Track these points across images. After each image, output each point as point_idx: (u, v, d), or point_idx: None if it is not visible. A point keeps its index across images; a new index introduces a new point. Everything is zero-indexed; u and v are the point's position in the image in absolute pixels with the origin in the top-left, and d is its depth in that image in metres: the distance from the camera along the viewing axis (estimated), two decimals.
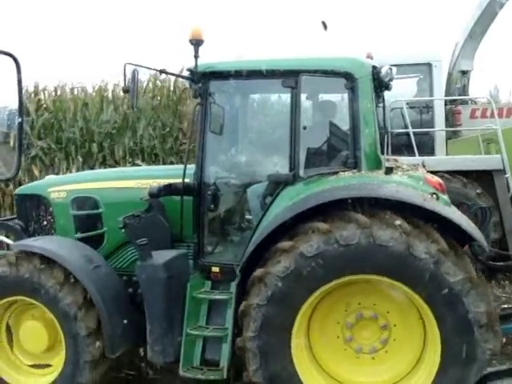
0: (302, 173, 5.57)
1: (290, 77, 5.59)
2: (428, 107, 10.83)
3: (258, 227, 5.71)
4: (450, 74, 11.58)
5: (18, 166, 3.95)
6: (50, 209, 6.79)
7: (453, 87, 11.54)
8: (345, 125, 5.85)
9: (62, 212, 6.71)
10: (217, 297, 5.82)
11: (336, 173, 5.59)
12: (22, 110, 3.83)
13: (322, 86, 6.04)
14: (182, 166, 6.17)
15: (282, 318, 5.21)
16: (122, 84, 5.83)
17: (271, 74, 5.68)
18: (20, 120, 3.89)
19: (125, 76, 5.37)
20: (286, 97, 5.83)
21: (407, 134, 10.14)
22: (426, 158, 8.90)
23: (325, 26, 6.08)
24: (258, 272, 5.26)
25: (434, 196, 5.30)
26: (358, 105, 5.60)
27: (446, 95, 11.25)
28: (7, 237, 7.40)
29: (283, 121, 5.84)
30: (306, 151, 5.78)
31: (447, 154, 10.62)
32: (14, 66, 3.72)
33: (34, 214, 6.89)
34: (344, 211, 5.17)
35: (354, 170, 5.58)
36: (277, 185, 5.74)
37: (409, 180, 5.49)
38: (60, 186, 6.81)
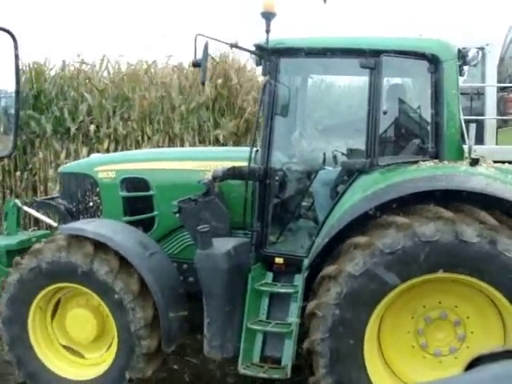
0: (379, 160, 5.27)
1: (369, 57, 5.27)
2: (479, 94, 10.49)
3: (328, 218, 5.42)
4: (501, 60, 11.22)
5: (14, 144, 3.83)
6: (97, 189, 6.51)
7: (504, 73, 11.18)
8: (424, 111, 5.54)
9: (109, 193, 6.43)
10: (280, 290, 5.53)
11: (416, 162, 5.29)
12: (18, 88, 3.70)
13: (401, 69, 5.72)
14: (240, 149, 5.88)
15: (354, 319, 4.90)
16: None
17: (349, 52, 5.39)
18: (16, 98, 3.75)
19: (195, 49, 5.06)
20: (363, 78, 5.52)
21: None
22: (476, 147, 8.59)
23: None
24: (330, 269, 4.95)
25: None
26: (441, 90, 5.30)
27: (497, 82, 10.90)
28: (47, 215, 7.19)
29: (359, 104, 5.54)
30: (382, 138, 5.48)
31: (497, 144, 10.30)
32: (11, 42, 3.59)
33: (79, 194, 6.62)
34: (425, 205, 4.88)
35: (436, 160, 5.28)
36: (350, 173, 5.46)
37: (497, 173, 5.18)
38: (108, 166, 6.53)
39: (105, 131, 11.84)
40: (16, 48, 3.59)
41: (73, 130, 11.83)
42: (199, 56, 5.08)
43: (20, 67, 3.86)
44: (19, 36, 3.63)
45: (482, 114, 10.43)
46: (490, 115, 10.43)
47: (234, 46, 5.40)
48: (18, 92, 3.74)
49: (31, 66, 12.65)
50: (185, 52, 13.03)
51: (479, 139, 10.29)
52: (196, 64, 5.14)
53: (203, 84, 5.28)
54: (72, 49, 15.13)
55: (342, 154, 5.91)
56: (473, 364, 1.64)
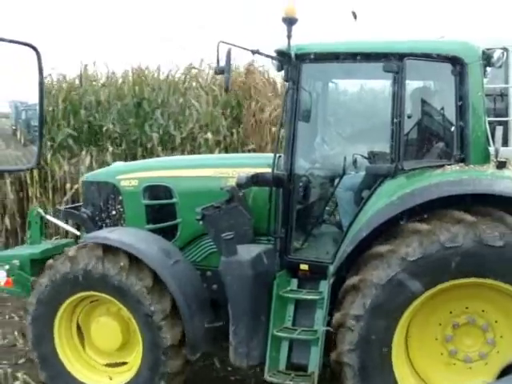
0: (404, 165, 5.29)
1: (392, 60, 5.29)
2: (502, 95, 10.43)
3: (353, 223, 5.45)
4: None
5: (39, 155, 3.91)
6: (120, 197, 6.58)
7: None
8: (449, 114, 5.54)
9: (132, 201, 6.49)
10: (306, 296, 5.55)
11: (441, 166, 5.30)
12: (42, 100, 3.80)
13: (424, 72, 5.73)
14: (261, 155, 5.92)
15: (381, 329, 4.92)
16: None
17: (372, 57, 5.41)
18: (40, 110, 3.83)
19: (218, 55, 5.12)
20: (387, 82, 5.55)
21: None
22: (501, 149, 8.55)
23: (355, 16, 5.76)
24: (353, 280, 4.99)
25: None
26: (466, 93, 5.30)
27: None
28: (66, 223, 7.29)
29: (383, 108, 5.56)
30: (407, 142, 5.49)
31: None
32: (34, 56, 3.68)
33: (101, 202, 6.70)
34: (451, 209, 4.88)
35: (461, 164, 5.29)
36: (375, 178, 5.47)
37: None
38: (130, 174, 6.59)
39: (215, 138, 11.74)
40: (40, 61, 3.68)
41: (178, 138, 11.78)
42: (222, 63, 5.13)
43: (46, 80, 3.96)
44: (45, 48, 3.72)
45: (506, 116, 10.37)
46: None
47: (255, 52, 5.44)
48: (41, 104, 3.81)
49: (132, 72, 12.87)
50: None
51: (503, 141, 10.23)
52: (219, 71, 5.19)
53: (227, 91, 5.33)
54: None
55: (366, 158, 5.91)
56: (505, 371, 1.65)
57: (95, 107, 12.50)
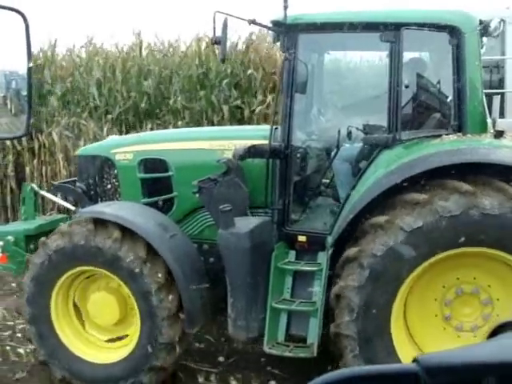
0: (402, 135, 5.35)
1: (390, 30, 5.33)
2: (499, 67, 10.50)
3: (351, 194, 5.52)
4: None
5: (28, 124, 3.95)
6: (115, 171, 6.62)
7: None
8: (446, 84, 5.60)
9: (127, 175, 6.53)
10: (304, 268, 5.64)
11: (439, 136, 5.37)
12: (30, 68, 3.82)
13: (421, 42, 5.79)
14: (258, 127, 5.96)
15: (381, 300, 5.02)
16: None
17: (369, 27, 5.43)
18: (28, 78, 3.87)
19: (214, 26, 5.14)
20: (384, 53, 5.60)
21: None
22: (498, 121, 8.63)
23: None
24: (352, 251, 5.07)
25: None
26: (463, 63, 5.36)
27: None
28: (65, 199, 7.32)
29: (380, 79, 5.61)
30: (404, 112, 5.55)
31: None
32: (21, 23, 3.70)
33: (96, 176, 6.75)
34: (443, 179, 4.96)
35: (459, 134, 5.36)
36: (372, 148, 5.54)
37: None
38: (125, 147, 6.61)
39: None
40: (27, 28, 3.69)
41: (247, 111, 11.44)
42: (218, 33, 5.15)
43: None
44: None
45: (502, 88, 10.44)
46: (511, 88, 10.44)
47: (252, 22, 5.46)
48: (30, 73, 3.83)
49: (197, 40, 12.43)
50: None
51: (499, 113, 10.32)
52: (216, 41, 5.22)
53: (223, 61, 5.36)
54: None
55: (363, 129, 5.97)
56: (496, 331, 1.69)
57: (157, 78, 12.16)
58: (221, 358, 6.72)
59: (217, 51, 11.35)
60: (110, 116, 11.88)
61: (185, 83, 11.89)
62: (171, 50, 12.81)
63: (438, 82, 5.87)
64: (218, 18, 5.14)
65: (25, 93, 3.99)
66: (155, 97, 12.03)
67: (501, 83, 10.51)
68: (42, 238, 6.11)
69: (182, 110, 11.72)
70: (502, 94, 10.40)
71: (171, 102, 11.71)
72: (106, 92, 12.10)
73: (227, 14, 5.16)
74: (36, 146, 11.74)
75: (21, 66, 3.98)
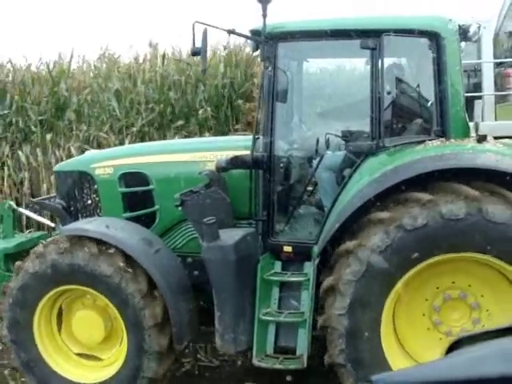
0: (385, 142, 5.38)
1: (370, 37, 5.36)
2: (476, 70, 10.63)
3: (335, 203, 5.53)
4: (496, 35, 11.37)
5: None
6: (95, 186, 6.55)
7: (500, 49, 11.33)
8: (428, 89, 5.64)
9: (108, 190, 6.47)
10: (291, 279, 5.63)
11: (422, 142, 5.41)
12: None
13: (401, 48, 5.82)
14: (237, 137, 5.96)
15: (374, 295, 5.02)
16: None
17: (348, 34, 5.46)
18: None
19: (194, 36, 5.13)
20: (364, 60, 5.63)
21: None
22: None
23: None
24: (349, 245, 5.04)
25: None
26: (444, 67, 5.41)
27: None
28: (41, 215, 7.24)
29: (361, 86, 5.63)
30: (387, 119, 5.58)
31: (496, 120, 10.44)
32: None
33: (76, 192, 6.67)
34: (448, 182, 4.97)
35: (442, 139, 5.40)
36: (356, 156, 5.56)
37: (505, 149, 5.31)
38: (105, 162, 6.55)
39: None
40: None
41: None
42: (198, 44, 5.14)
43: None
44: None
45: (480, 91, 10.57)
46: (488, 91, 10.57)
47: (231, 32, 5.47)
48: None
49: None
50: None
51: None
52: (195, 52, 5.21)
53: (204, 72, 5.35)
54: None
55: (346, 137, 5.99)
56: (453, 347, 1.70)
57: (183, 87, 11.95)
58: None
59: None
60: (133, 128, 11.62)
61: (211, 92, 11.77)
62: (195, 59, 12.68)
63: (419, 88, 5.91)
64: (198, 29, 5.13)
65: None
66: (181, 107, 11.85)
67: (477, 87, 10.63)
68: (18, 262, 6.03)
69: (208, 119, 11.59)
70: (480, 98, 10.54)
71: (200, 112, 11.55)
72: (127, 104, 11.83)
73: (206, 24, 5.15)
74: (53, 162, 11.20)
75: None
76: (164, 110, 11.73)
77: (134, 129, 11.52)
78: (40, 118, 11.82)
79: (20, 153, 11.49)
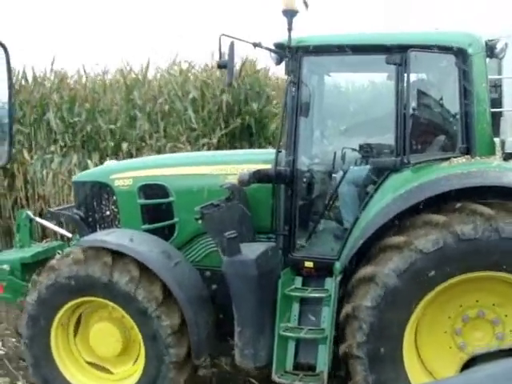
0: (410, 158, 5.39)
1: (396, 52, 5.38)
2: (496, 86, 10.61)
3: (359, 219, 5.53)
4: None
5: (9, 154, 4.00)
6: (114, 197, 6.57)
7: None
8: (453, 106, 5.66)
9: (127, 201, 6.49)
10: (312, 295, 5.62)
11: (447, 159, 5.41)
12: (10, 97, 3.90)
13: (427, 64, 5.83)
14: (258, 151, 5.97)
15: (394, 321, 5.02)
16: None
17: (374, 49, 5.49)
18: (9, 108, 3.94)
19: (220, 49, 5.16)
20: (390, 75, 5.65)
21: None
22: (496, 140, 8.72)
23: (306, 5, 5.85)
24: (366, 271, 5.06)
25: None
26: (471, 84, 5.42)
27: None
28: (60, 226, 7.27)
29: (387, 102, 5.65)
30: (412, 135, 5.59)
31: None
32: (2, 54, 3.80)
33: (94, 203, 6.70)
34: (462, 202, 4.98)
35: (468, 156, 5.41)
36: (380, 172, 5.57)
37: None
38: (124, 173, 6.59)
39: None
40: (8, 58, 3.76)
41: None
42: (224, 57, 5.18)
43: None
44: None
45: (500, 107, 10.54)
46: (508, 107, 10.54)
47: (257, 45, 5.50)
48: (10, 102, 3.88)
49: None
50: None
51: (496, 132, 10.41)
52: (222, 65, 5.24)
53: (229, 86, 5.38)
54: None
55: (369, 153, 6.00)
56: (468, 364, 1.70)
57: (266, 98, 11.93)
58: None
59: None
60: (212, 140, 11.54)
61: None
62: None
63: (444, 104, 5.92)
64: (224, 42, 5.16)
65: (6, 120, 4.01)
66: (262, 118, 11.84)
67: (497, 103, 10.60)
68: (34, 276, 6.06)
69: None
70: (500, 113, 10.50)
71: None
72: (205, 113, 11.74)
73: (233, 38, 5.19)
74: None
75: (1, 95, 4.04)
76: (248, 120, 11.70)
77: (214, 140, 11.45)
78: (111, 126, 11.74)
79: (89, 161, 11.37)
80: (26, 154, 11.61)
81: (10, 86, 3.86)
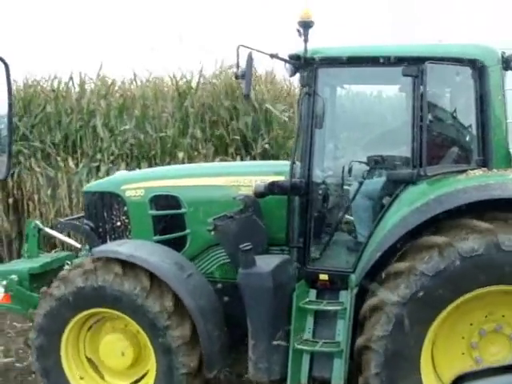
0: (426, 171, 5.40)
1: (412, 64, 5.41)
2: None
3: (374, 231, 5.54)
4: None
5: (8, 168, 4.00)
6: (125, 208, 6.56)
7: None
8: (469, 118, 5.68)
9: (138, 212, 6.49)
10: (327, 307, 5.61)
11: (463, 171, 5.43)
12: (11, 111, 3.93)
13: (443, 76, 5.84)
14: (271, 163, 5.99)
15: (408, 346, 4.99)
16: None
17: (390, 61, 5.50)
18: (8, 121, 3.96)
19: (238, 60, 5.18)
20: (406, 87, 5.67)
21: None
22: None
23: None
24: (374, 300, 5.07)
25: None
26: (487, 96, 5.45)
27: None
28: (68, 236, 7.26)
29: (403, 114, 5.67)
30: (429, 147, 5.60)
31: None
32: (2, 68, 3.83)
33: (105, 213, 6.68)
34: (458, 219, 4.99)
35: (484, 169, 5.43)
36: (396, 184, 5.58)
37: None
38: (136, 183, 6.58)
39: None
40: (8, 72, 3.77)
41: None
42: (242, 67, 5.20)
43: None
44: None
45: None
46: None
47: (274, 56, 5.52)
48: (10, 116, 3.89)
49: None
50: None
51: None
52: (240, 76, 5.25)
53: (247, 97, 5.39)
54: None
55: (385, 165, 6.02)
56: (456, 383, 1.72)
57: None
58: None
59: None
60: (256, 150, 11.46)
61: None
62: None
63: (460, 116, 5.95)
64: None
65: (5, 133, 4.01)
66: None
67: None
68: (43, 288, 6.04)
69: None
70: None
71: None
72: (248, 121, 11.64)
73: (250, 48, 5.20)
74: None
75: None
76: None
77: (258, 150, 11.40)
78: (161, 134, 11.65)
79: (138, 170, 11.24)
80: (70, 163, 11.56)
81: (10, 99, 3.88)
